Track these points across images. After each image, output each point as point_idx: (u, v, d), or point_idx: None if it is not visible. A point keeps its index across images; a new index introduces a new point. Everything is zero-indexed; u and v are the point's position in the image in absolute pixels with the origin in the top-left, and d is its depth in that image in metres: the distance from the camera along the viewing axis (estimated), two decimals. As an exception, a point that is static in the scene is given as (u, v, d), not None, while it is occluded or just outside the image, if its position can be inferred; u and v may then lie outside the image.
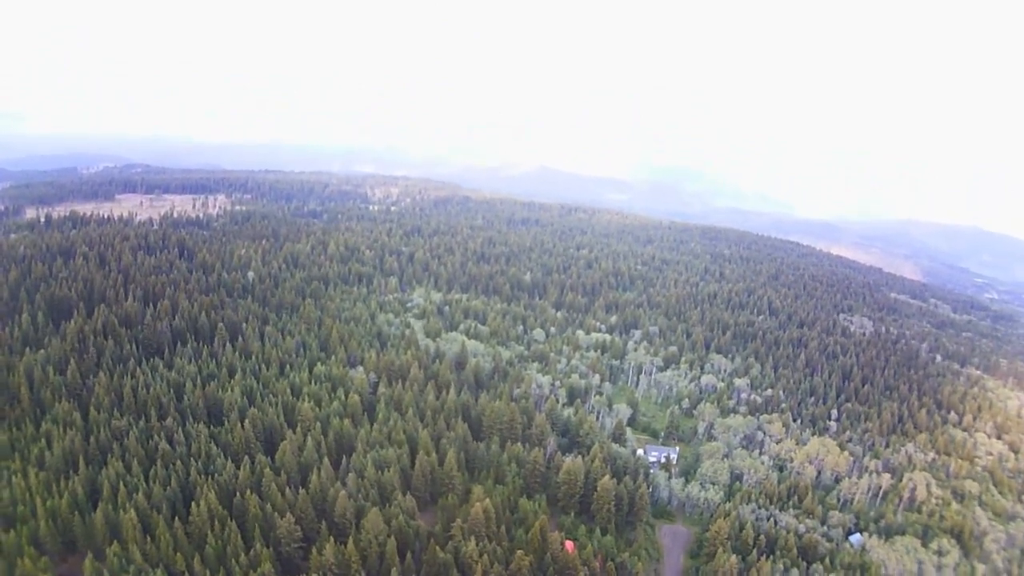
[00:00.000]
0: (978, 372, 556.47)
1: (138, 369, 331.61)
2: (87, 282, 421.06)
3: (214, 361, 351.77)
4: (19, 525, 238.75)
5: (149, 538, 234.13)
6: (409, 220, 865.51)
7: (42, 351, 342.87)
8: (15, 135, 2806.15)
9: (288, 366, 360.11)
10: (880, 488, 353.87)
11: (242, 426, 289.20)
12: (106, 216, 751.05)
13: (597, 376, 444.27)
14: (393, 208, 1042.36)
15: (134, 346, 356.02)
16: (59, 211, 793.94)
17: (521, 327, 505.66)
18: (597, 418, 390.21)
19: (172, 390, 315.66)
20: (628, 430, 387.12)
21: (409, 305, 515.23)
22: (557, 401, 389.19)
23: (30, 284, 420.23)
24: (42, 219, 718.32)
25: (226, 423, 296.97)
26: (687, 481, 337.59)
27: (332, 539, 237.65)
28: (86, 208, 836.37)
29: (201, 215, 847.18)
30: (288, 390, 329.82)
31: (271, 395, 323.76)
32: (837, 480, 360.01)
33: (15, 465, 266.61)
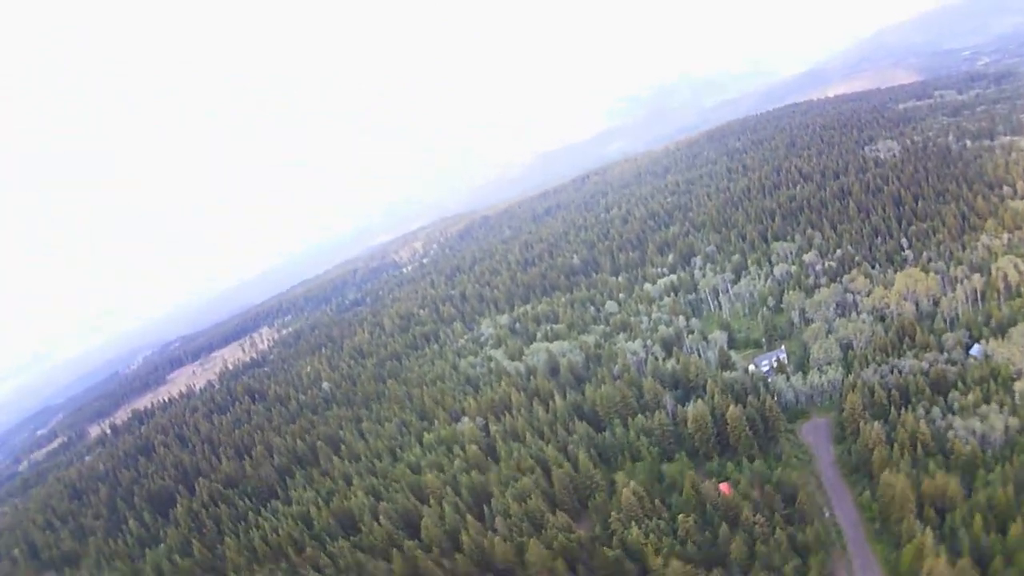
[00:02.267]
0: (1008, 138, 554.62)
1: (258, 518, 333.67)
2: (177, 466, 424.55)
3: (328, 479, 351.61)
4: None
5: None
6: (444, 263, 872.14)
7: (162, 545, 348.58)
8: (44, 373, 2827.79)
9: (398, 449, 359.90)
10: (976, 291, 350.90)
11: (378, 523, 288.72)
12: (166, 399, 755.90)
13: (681, 317, 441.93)
14: (425, 261, 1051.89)
15: (246, 500, 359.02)
16: (120, 417, 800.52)
17: (592, 308, 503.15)
18: (700, 355, 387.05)
19: (300, 522, 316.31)
20: (731, 353, 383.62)
21: (482, 339, 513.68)
22: (656, 359, 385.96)
23: (123, 492, 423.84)
24: (108, 431, 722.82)
25: (363, 528, 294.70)
26: (805, 373, 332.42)
27: None
28: (144, 401, 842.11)
29: (255, 355, 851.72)
30: (407, 471, 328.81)
31: (394, 483, 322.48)
32: (936, 304, 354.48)
33: None
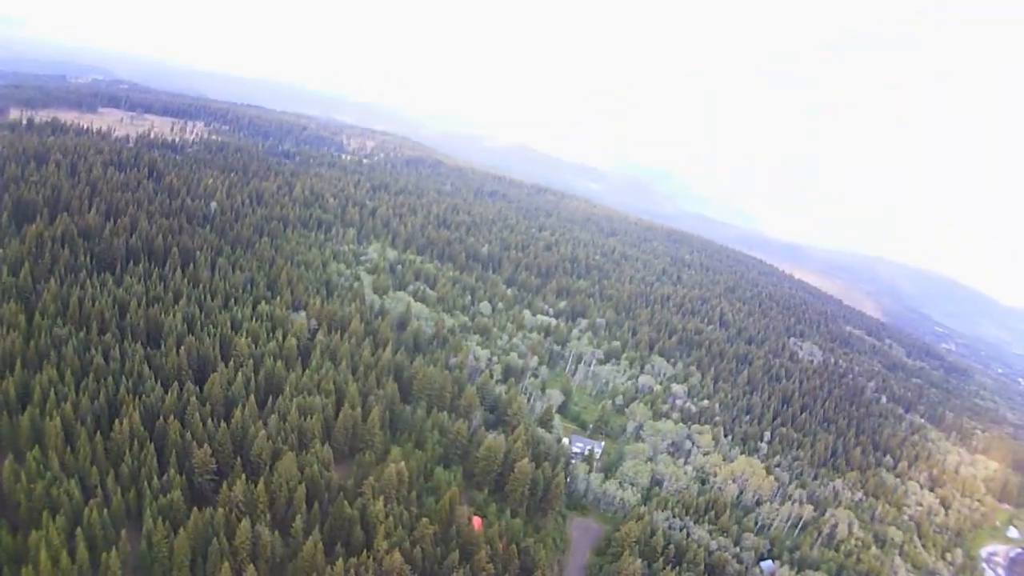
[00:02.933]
0: (921, 420, 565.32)
1: (88, 281, 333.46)
2: (55, 189, 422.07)
3: (162, 284, 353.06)
4: None
5: (70, 448, 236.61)
6: (379, 175, 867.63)
7: (0, 251, 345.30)
8: (10, 37, 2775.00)
9: (233, 300, 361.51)
10: (801, 519, 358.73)
11: (177, 352, 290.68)
12: (85, 127, 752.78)
13: (536, 358, 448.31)
14: (365, 161, 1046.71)
15: (88, 258, 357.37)
16: (42, 116, 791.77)
17: (469, 297, 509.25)
18: (528, 400, 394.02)
19: (117, 307, 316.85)
20: (557, 417, 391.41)
21: (363, 259, 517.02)
22: (491, 376, 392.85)
23: (2, 184, 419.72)
24: (24, 122, 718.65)
25: (163, 347, 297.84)
26: (606, 477, 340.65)
27: (245, 477, 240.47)
28: (68, 117, 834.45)
29: (177, 139, 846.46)
30: (228, 323, 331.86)
31: (211, 326, 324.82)
32: (758, 503, 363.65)
33: None
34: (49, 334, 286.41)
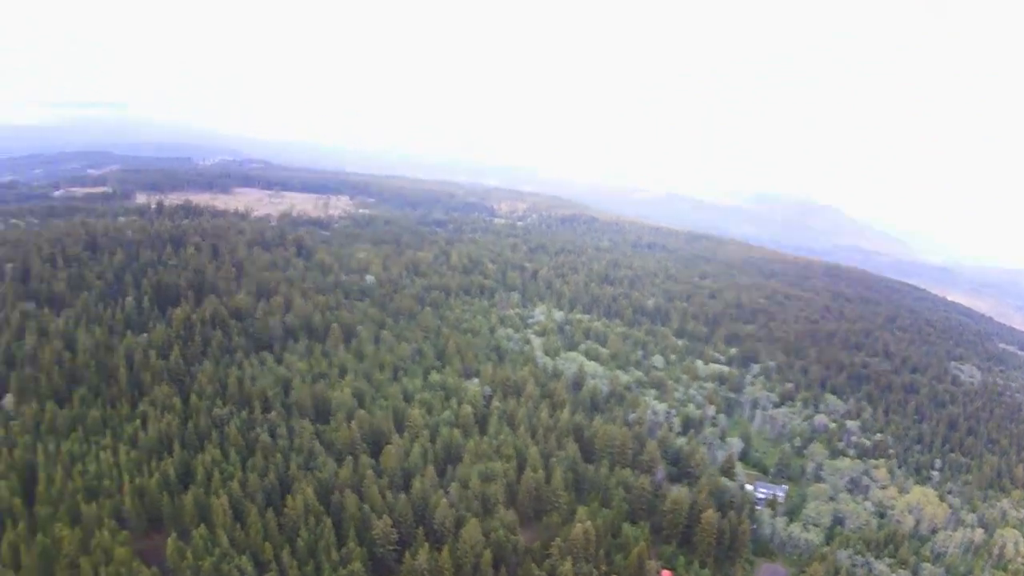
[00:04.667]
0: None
1: (245, 361, 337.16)
2: (198, 272, 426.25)
3: (326, 360, 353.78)
4: (102, 499, 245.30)
5: (239, 525, 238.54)
6: (535, 237, 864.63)
7: (145, 335, 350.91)
8: (124, 120, 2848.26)
9: (402, 371, 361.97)
10: (972, 543, 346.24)
11: (348, 426, 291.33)
12: (221, 208, 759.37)
13: (713, 407, 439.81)
14: (519, 223, 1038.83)
15: (243, 338, 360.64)
16: (172, 199, 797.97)
17: (641, 352, 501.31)
18: (709, 450, 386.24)
19: (280, 385, 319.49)
20: (739, 464, 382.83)
21: (530, 321, 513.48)
22: (670, 429, 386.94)
23: (137, 269, 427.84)
24: (153, 206, 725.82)
25: (332, 422, 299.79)
26: (790, 521, 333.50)
27: (428, 546, 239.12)
28: (201, 199, 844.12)
29: (322, 215, 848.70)
30: (400, 395, 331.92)
31: (382, 399, 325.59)
32: (934, 531, 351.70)
33: (106, 441, 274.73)
34: (209, 415, 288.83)
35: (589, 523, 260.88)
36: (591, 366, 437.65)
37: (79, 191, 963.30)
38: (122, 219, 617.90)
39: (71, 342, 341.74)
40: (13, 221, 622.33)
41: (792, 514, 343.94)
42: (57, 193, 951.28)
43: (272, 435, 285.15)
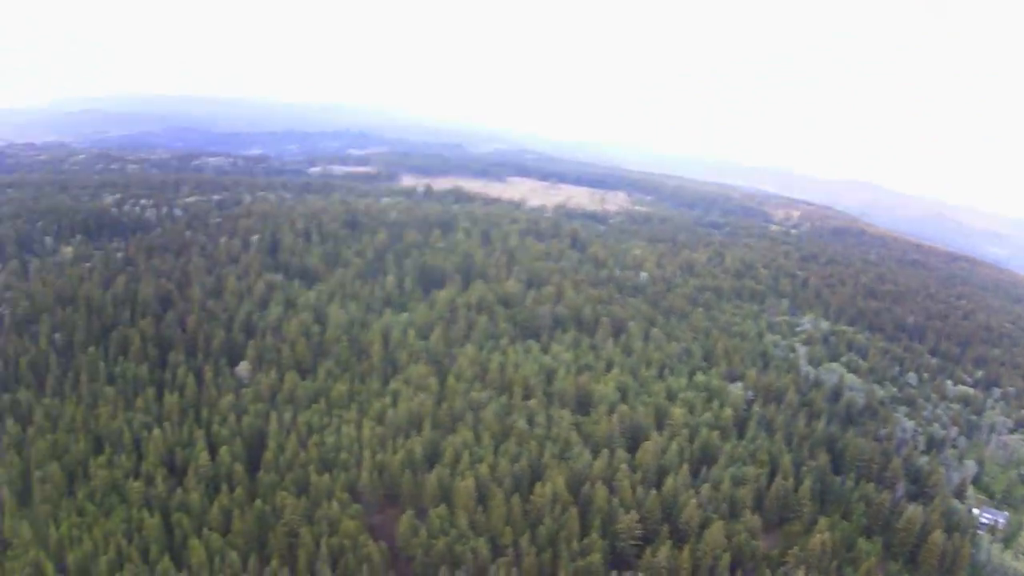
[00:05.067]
0: None
1: (510, 348, 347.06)
2: (467, 256, 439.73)
3: (593, 353, 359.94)
4: (336, 471, 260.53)
5: (481, 508, 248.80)
6: (807, 245, 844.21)
7: (405, 314, 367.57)
8: (391, 112, 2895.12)
9: (668, 370, 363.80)
10: None
11: (609, 419, 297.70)
12: (495, 196, 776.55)
13: (956, 428, 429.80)
14: (792, 231, 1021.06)
15: (510, 325, 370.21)
16: (441, 183, 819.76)
17: (897, 368, 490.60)
18: (946, 471, 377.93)
19: (543, 373, 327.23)
20: (971, 488, 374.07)
21: (797, 329, 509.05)
22: (915, 447, 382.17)
23: (400, 250, 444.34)
24: (420, 189, 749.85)
25: (592, 414, 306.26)
26: (1004, 548, 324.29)
27: (670, 544, 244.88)
28: (473, 185, 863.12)
29: (598, 210, 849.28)
30: (663, 393, 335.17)
31: (645, 395, 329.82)
32: None
33: (349, 415, 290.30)
34: (465, 397, 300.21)
35: (827, 534, 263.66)
36: (850, 378, 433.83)
37: (338, 169, 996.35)
38: (386, 200, 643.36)
39: (321, 316, 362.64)
40: (261, 194, 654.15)
41: (1008, 541, 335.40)
42: (313, 170, 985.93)
43: (530, 422, 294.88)
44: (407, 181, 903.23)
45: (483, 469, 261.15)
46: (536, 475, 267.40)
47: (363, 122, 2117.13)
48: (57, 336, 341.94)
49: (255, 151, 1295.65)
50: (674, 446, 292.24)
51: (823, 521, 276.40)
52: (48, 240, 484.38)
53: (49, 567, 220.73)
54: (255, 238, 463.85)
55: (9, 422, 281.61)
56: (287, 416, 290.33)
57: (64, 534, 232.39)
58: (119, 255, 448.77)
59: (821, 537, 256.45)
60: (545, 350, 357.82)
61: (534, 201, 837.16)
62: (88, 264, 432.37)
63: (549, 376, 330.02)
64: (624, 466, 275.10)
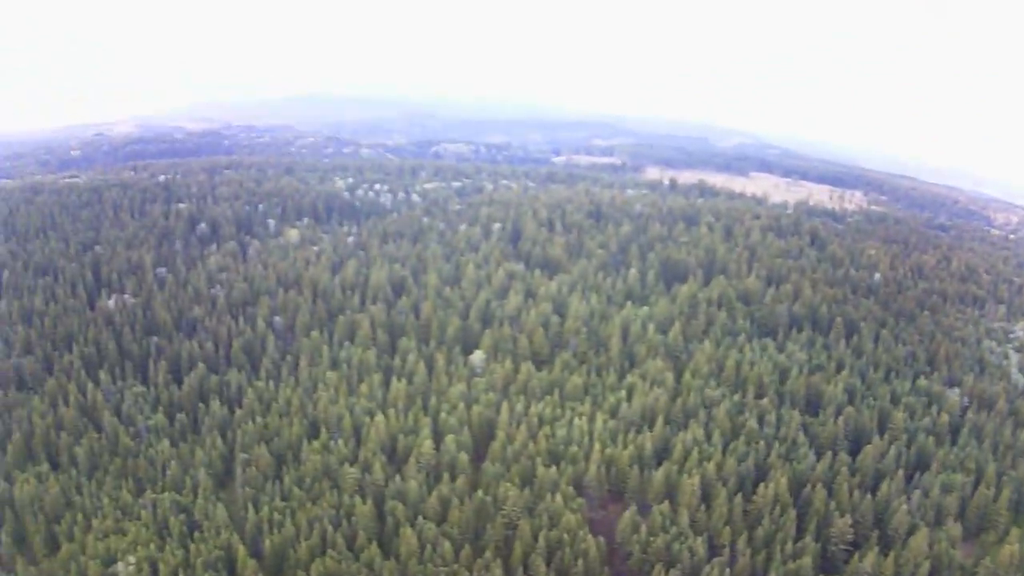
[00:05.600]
0: None
1: (747, 345, 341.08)
2: (708, 251, 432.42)
3: (826, 353, 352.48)
4: (564, 464, 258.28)
5: (704, 506, 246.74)
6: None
7: (645, 308, 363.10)
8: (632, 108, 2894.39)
9: (894, 373, 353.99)
10: None
11: (835, 422, 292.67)
12: (738, 191, 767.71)
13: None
14: (1011, 236, 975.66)
15: (748, 322, 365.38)
16: (685, 177, 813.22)
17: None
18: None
19: (777, 372, 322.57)
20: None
21: (1011, 336, 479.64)
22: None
23: (644, 243, 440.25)
24: (666, 181, 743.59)
25: (820, 415, 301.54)
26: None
27: (878, 550, 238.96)
28: (717, 179, 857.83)
29: (836, 208, 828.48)
30: (888, 396, 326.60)
31: (871, 398, 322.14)
32: None
33: (582, 409, 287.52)
34: (700, 394, 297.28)
35: (1018, 546, 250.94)
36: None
37: (583, 159, 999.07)
38: (631, 191, 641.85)
39: (561, 307, 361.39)
40: (503, 182, 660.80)
41: None
42: (557, 159, 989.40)
43: (760, 422, 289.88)
44: (652, 173, 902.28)
45: (710, 467, 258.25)
46: (760, 475, 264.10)
47: (607, 112, 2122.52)
48: (277, 319, 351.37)
49: (497, 139, 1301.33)
50: (892, 451, 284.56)
51: (1015, 532, 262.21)
52: (271, 223, 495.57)
53: (242, 551, 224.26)
54: (496, 226, 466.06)
55: (215, 403, 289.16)
56: (519, 407, 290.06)
57: (264, 518, 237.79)
58: (350, 239, 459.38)
59: (1011, 548, 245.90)
60: (780, 348, 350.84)
61: (776, 197, 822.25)
62: (316, 248, 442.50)
63: (782, 375, 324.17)
64: (844, 469, 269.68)
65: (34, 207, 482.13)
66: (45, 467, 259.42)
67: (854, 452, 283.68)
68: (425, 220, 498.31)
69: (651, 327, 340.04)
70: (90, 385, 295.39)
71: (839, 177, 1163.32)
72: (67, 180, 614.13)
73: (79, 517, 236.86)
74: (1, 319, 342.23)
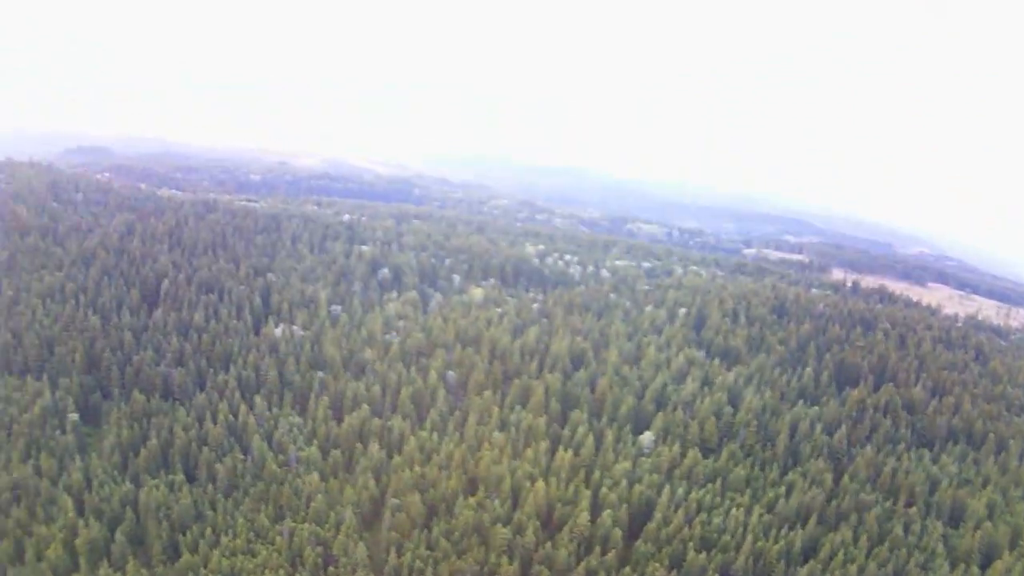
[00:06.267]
0: None
1: (905, 454, 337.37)
2: (881, 358, 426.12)
3: (975, 468, 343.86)
4: (715, 552, 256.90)
5: None
6: None
7: (816, 408, 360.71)
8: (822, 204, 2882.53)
9: None
10: None
11: (972, 535, 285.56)
12: (915, 300, 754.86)
13: None
14: None
15: (909, 431, 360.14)
16: (868, 281, 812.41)
17: None
18: None
19: (927, 483, 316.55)
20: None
21: None
22: None
23: (821, 342, 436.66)
24: (848, 283, 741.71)
25: (960, 528, 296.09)
26: None
27: None
28: (897, 287, 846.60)
29: (1003, 324, 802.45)
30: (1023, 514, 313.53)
31: (1008, 515, 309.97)
32: None
33: (742, 500, 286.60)
34: (855, 498, 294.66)
35: None
36: None
37: (773, 254, 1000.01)
38: (815, 291, 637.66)
39: (735, 398, 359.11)
40: (693, 268, 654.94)
41: None
42: (748, 251, 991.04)
43: (905, 530, 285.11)
44: (836, 274, 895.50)
45: (851, 570, 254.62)
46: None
47: (799, 209, 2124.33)
48: (450, 373, 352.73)
49: (691, 224, 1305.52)
50: (1019, 567, 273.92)
51: None
52: (456, 278, 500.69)
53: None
54: (682, 311, 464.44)
55: (373, 446, 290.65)
56: (680, 491, 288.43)
57: (405, 563, 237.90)
58: (535, 306, 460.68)
59: None
60: (935, 460, 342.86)
61: (948, 309, 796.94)
62: (499, 309, 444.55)
63: (933, 485, 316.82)
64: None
65: (205, 223, 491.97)
66: (180, 477, 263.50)
67: (984, 565, 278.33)
68: (612, 296, 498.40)
69: (818, 427, 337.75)
70: (243, 407, 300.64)
71: (1006, 294, 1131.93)
72: (243, 203, 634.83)
73: (207, 531, 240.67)
74: (156, 327, 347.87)
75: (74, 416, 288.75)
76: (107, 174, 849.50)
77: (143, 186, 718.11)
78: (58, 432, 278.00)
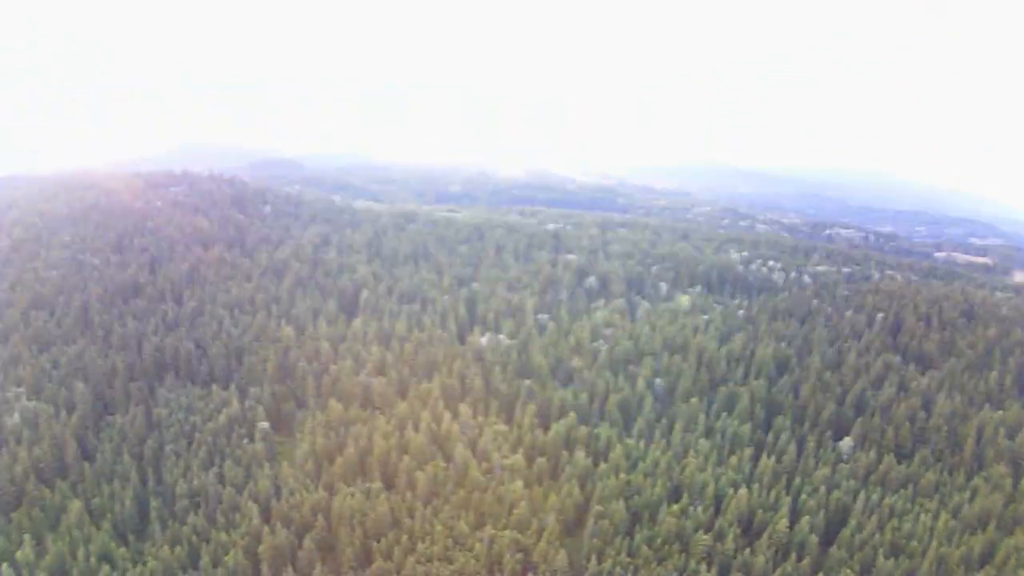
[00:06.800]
0: None
1: None
2: None
3: None
4: (902, 558, 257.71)
5: None
6: None
7: (1000, 412, 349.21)
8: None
9: None
10: None
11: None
12: None
13: None
14: None
15: None
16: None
17: None
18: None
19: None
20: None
21: None
22: None
23: (1005, 346, 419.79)
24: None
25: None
26: None
27: None
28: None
29: None
30: None
31: None
32: None
33: (930, 505, 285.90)
34: None
35: None
36: None
37: (961, 257, 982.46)
38: (999, 294, 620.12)
39: (928, 403, 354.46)
40: (889, 273, 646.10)
41: None
42: (939, 255, 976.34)
43: None
44: (1018, 277, 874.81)
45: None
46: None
47: (986, 211, 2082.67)
48: (658, 381, 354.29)
49: (886, 228, 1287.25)
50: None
51: None
52: (663, 286, 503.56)
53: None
54: (880, 316, 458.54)
55: (579, 453, 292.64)
56: (875, 497, 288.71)
57: (606, 570, 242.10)
58: (740, 313, 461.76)
59: None
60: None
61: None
62: (706, 316, 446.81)
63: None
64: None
65: (405, 234, 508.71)
66: (377, 485, 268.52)
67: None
68: (815, 302, 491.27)
69: (1001, 431, 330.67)
70: (447, 415, 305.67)
71: None
72: (445, 213, 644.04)
73: (403, 538, 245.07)
74: (355, 337, 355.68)
75: (264, 424, 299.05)
76: (297, 187, 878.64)
77: (337, 198, 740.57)
78: (245, 440, 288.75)
